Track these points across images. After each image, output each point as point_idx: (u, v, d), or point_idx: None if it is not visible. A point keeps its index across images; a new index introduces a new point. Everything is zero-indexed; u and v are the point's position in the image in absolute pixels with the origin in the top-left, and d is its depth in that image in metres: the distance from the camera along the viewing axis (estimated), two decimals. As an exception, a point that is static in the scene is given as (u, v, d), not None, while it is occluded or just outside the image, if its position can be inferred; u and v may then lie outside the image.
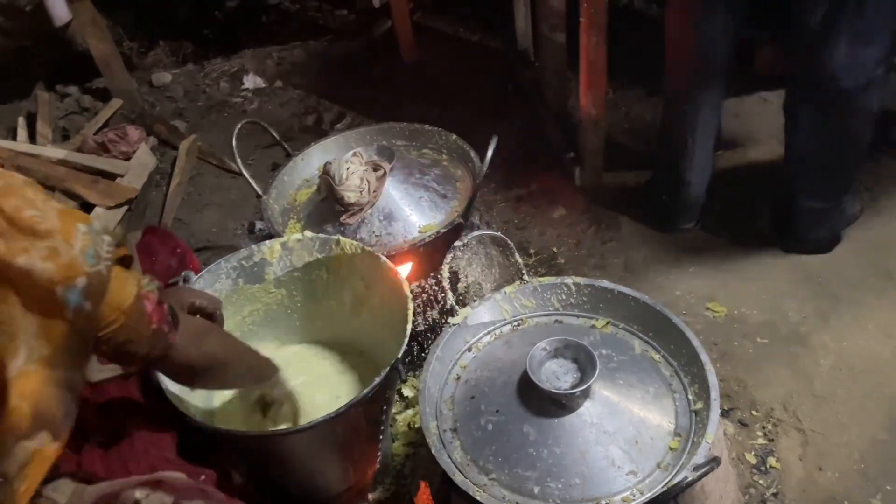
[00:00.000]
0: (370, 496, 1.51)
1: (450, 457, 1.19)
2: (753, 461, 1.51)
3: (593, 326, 1.38)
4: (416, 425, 1.59)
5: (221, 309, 1.26)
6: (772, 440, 1.53)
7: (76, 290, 0.85)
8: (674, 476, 1.11)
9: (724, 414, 1.58)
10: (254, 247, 1.48)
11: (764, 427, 1.56)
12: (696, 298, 1.85)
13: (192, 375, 1.10)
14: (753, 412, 1.59)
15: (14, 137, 2.52)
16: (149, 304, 0.96)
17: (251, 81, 2.86)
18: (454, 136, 1.79)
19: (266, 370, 1.27)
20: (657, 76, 2.54)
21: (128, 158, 2.36)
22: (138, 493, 0.93)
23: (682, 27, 1.75)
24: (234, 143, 1.70)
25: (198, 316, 1.17)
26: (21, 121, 2.57)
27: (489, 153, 1.56)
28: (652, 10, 2.89)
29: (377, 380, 1.22)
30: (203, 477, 1.10)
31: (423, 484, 1.42)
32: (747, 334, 1.75)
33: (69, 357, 0.88)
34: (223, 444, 1.21)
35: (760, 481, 1.48)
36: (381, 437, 1.43)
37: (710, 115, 1.83)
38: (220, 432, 1.17)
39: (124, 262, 0.97)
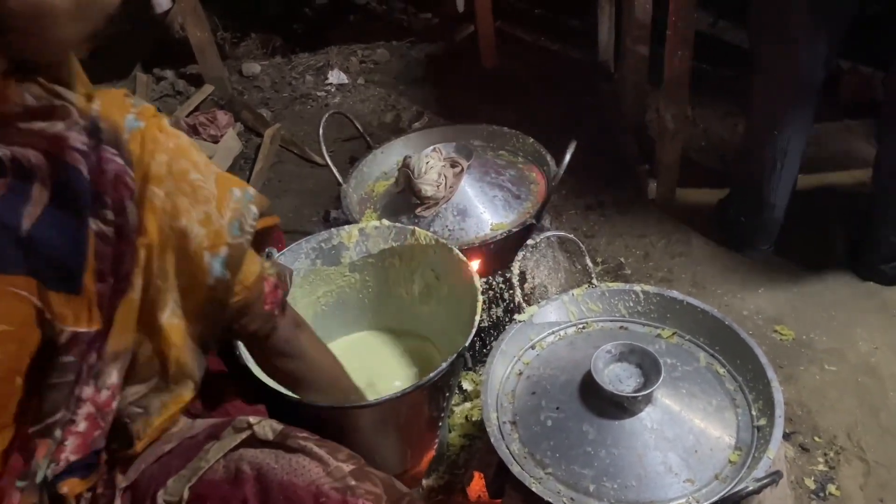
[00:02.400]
0: (424, 482, 1.54)
1: (508, 448, 1.21)
2: (812, 486, 1.49)
3: (659, 335, 1.38)
4: (474, 418, 1.62)
5: (290, 277, 1.32)
6: (833, 467, 1.51)
7: (219, 258, 0.92)
8: (732, 488, 1.12)
9: (786, 437, 1.56)
10: (333, 230, 1.55)
11: (826, 454, 1.53)
12: (764, 320, 1.83)
13: (280, 363, 1.16)
14: (816, 438, 1.56)
15: (112, 115, 2.68)
16: (267, 286, 1.03)
17: (335, 77, 2.95)
18: (531, 140, 1.83)
19: (347, 393, 1.31)
20: (737, 97, 2.53)
21: (216, 141, 2.48)
22: (252, 419, 0.99)
23: (780, 52, 1.74)
24: (320, 132, 1.78)
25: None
26: (120, 100, 2.73)
27: (567, 157, 1.58)
28: (736, 34, 2.87)
29: (444, 365, 1.26)
30: None
31: (477, 474, 1.44)
32: (814, 360, 1.72)
33: (205, 318, 0.97)
34: (298, 415, 1.27)
35: (818, 508, 1.46)
36: (439, 424, 1.47)
37: (799, 139, 1.82)
38: (294, 401, 1.22)
39: (268, 232, 1.04)
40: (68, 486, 0.88)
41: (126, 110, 0.89)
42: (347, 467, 0.96)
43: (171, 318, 0.94)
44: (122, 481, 0.97)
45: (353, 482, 0.94)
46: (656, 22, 2.16)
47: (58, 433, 0.85)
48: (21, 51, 0.76)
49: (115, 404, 0.91)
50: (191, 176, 0.90)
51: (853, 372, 1.69)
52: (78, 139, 0.81)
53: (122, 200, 0.85)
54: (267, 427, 0.99)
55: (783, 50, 1.72)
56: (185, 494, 0.93)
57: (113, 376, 0.89)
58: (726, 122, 2.49)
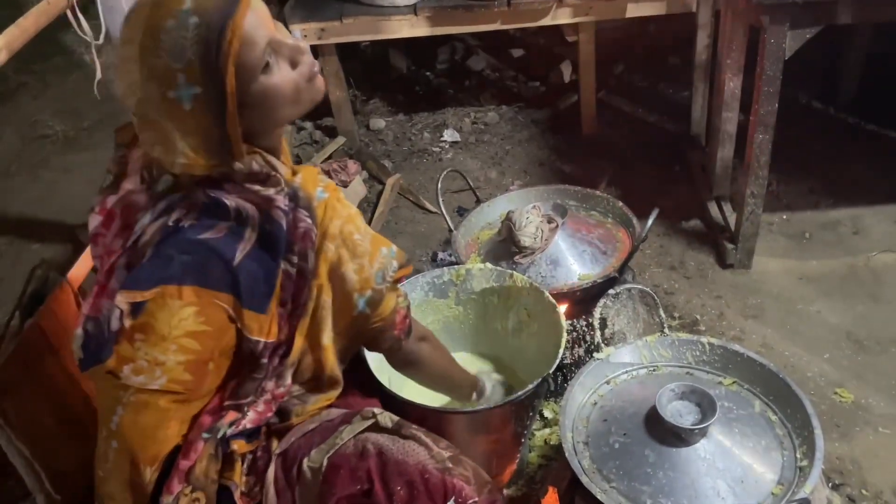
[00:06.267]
0: (505, 491, 1.77)
1: (579, 463, 1.41)
2: (855, 534, 1.63)
3: (720, 383, 1.54)
4: (552, 442, 1.84)
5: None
6: (877, 519, 1.65)
7: (364, 298, 1.18)
8: (766, 510, 1.29)
9: (835, 487, 1.70)
10: (445, 269, 1.83)
11: (871, 506, 1.67)
12: (826, 382, 1.96)
13: (407, 367, 1.45)
14: (863, 491, 1.69)
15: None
16: (398, 317, 1.28)
17: (449, 135, 3.23)
18: (620, 204, 2.05)
19: (465, 390, 1.60)
20: (821, 176, 2.68)
21: (345, 186, 2.79)
22: (376, 410, 1.28)
23: None
24: (438, 185, 2.09)
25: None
26: (267, 146, 3.16)
27: (649, 222, 1.79)
28: (828, 112, 3.01)
29: (530, 386, 1.51)
30: None
31: (551, 489, 1.64)
32: (870, 422, 1.85)
33: (347, 339, 1.24)
34: (405, 412, 1.54)
35: (860, 554, 1.59)
36: (522, 440, 1.71)
37: None
38: (409, 404, 1.48)
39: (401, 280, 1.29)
40: (237, 445, 1.19)
41: (317, 184, 1.18)
42: (446, 453, 1.24)
43: (328, 340, 1.20)
44: (276, 448, 1.26)
45: (450, 465, 1.22)
46: (744, 100, 2.33)
47: (245, 409, 1.17)
48: (251, 122, 1.09)
49: (286, 396, 1.22)
50: (354, 237, 1.17)
51: (907, 437, 1.81)
52: (282, 202, 1.12)
53: (306, 250, 1.13)
54: (387, 417, 1.28)
55: None
56: (324, 463, 1.21)
57: (288, 377, 1.20)
58: (809, 198, 2.63)
